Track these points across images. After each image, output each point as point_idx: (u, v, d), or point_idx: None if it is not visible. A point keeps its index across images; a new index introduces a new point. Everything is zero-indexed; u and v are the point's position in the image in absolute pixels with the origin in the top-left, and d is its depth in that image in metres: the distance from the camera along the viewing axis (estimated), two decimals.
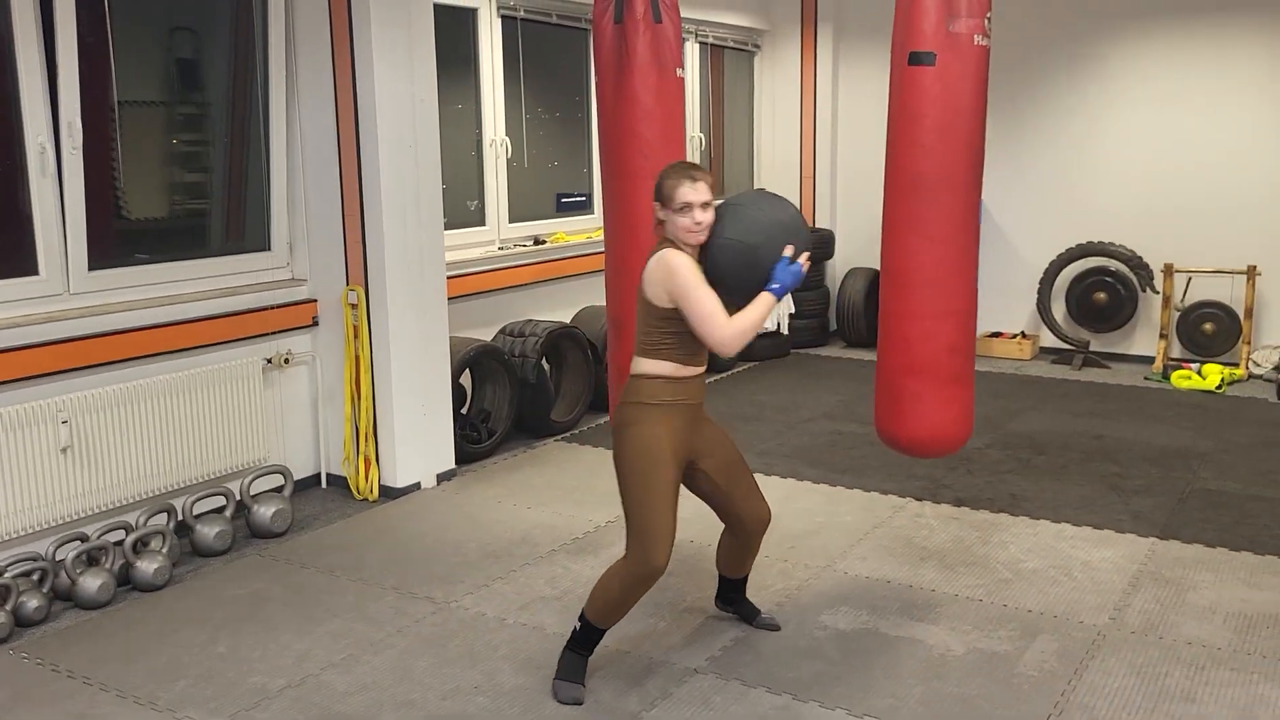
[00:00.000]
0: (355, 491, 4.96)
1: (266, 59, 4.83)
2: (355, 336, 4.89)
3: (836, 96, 8.31)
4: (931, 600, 3.78)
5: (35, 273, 4.10)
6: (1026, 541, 4.30)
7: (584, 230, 6.69)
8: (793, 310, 7.73)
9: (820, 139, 8.32)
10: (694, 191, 2.99)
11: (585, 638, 3.21)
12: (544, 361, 5.75)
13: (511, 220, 6.27)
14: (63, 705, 3.19)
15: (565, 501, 4.83)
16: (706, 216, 3.02)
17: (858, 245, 8.22)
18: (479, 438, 5.49)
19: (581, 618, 3.19)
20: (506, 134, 6.18)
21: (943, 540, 4.32)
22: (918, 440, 3.64)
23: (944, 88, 3.39)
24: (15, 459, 3.89)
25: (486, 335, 5.84)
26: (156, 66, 4.92)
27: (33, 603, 3.72)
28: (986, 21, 3.40)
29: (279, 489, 4.67)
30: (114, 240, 4.46)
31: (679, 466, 3.12)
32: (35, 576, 3.82)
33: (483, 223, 6.14)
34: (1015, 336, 7.78)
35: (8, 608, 3.64)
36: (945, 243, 3.49)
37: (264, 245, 4.96)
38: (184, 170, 5.85)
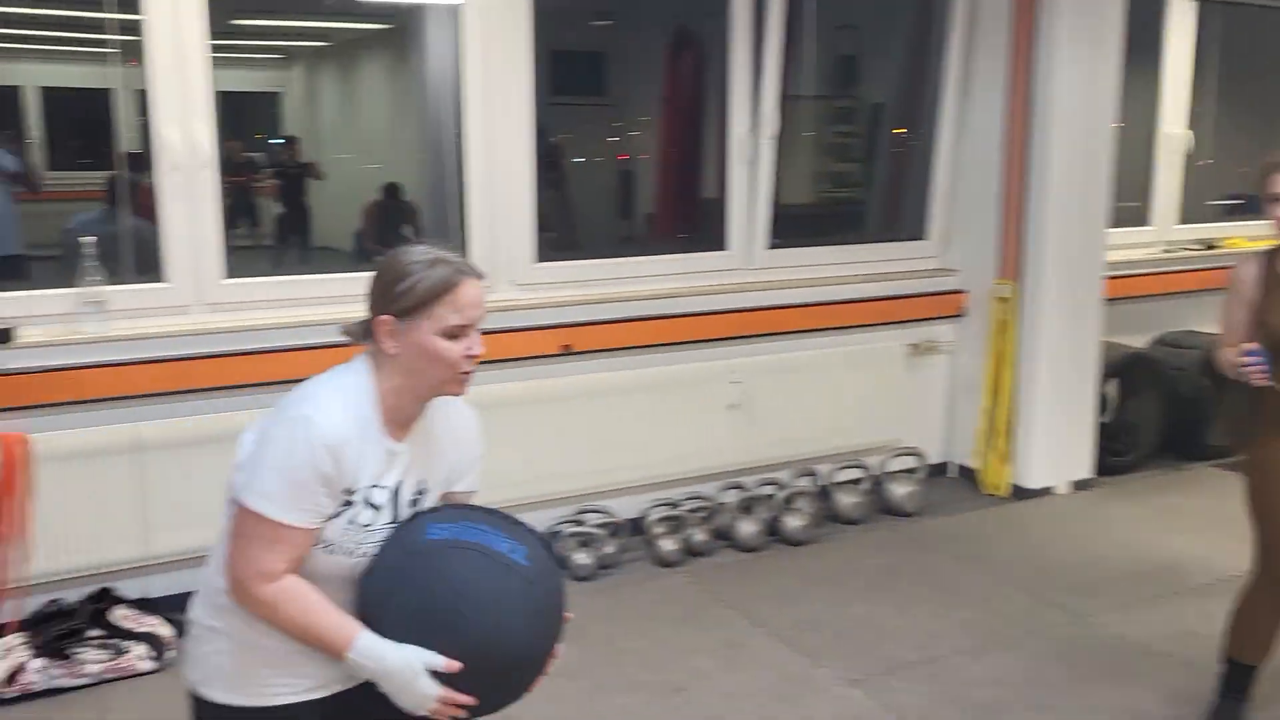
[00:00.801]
0: (984, 485, 4.92)
1: (943, 53, 4.93)
2: (1001, 331, 4.84)
3: None
4: None
5: (725, 248, 4.62)
6: None
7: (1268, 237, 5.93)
8: None
9: None
10: None
11: (1233, 681, 2.89)
12: (1205, 377, 5.21)
13: (1182, 221, 5.76)
14: (721, 632, 3.59)
15: (1222, 534, 4.34)
16: None
17: None
18: (1121, 450, 5.15)
19: (1223, 658, 2.89)
20: (1188, 127, 5.68)
21: None
22: None
23: None
24: (695, 411, 4.44)
25: (1140, 343, 5.44)
26: (820, 62, 5.24)
27: (699, 536, 4.22)
28: None
29: (911, 471, 4.80)
30: (781, 222, 4.86)
31: None
32: (702, 514, 4.34)
33: (1144, 222, 5.72)
34: None
35: (681, 536, 4.18)
36: None
37: (919, 234, 5.08)
38: (836, 160, 6.23)
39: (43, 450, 3.37)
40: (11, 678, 3.12)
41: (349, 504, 1.70)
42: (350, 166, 8.01)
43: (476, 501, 1.91)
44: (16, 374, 3.35)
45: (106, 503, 3.48)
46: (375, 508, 1.73)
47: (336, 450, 1.66)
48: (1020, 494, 4.84)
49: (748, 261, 4.63)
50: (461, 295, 1.69)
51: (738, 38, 4.43)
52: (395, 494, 1.75)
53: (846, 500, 4.55)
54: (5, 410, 3.35)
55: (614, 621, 3.65)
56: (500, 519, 1.79)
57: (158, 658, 3.31)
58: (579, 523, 4.13)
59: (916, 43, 5.11)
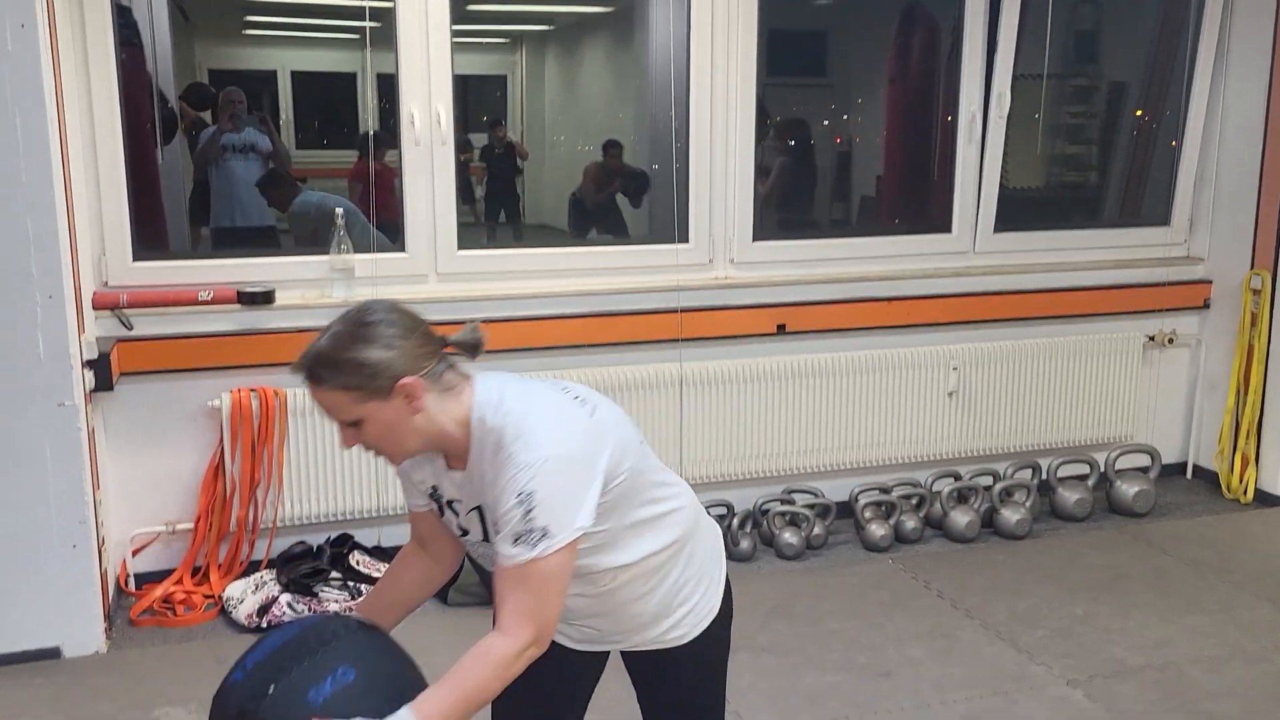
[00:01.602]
0: (1225, 489, 4.60)
1: (1196, 29, 4.60)
2: (1252, 324, 4.50)
3: None
4: None
5: (948, 230, 4.49)
6: None
7: None
8: None
9: None
10: None
11: None
12: None
13: None
14: (930, 620, 3.51)
15: None
16: None
17: None
18: None
19: None
20: None
21: None
22: None
23: None
24: (910, 396, 4.35)
25: None
26: (1055, 40, 4.98)
27: (910, 523, 4.14)
28: None
29: (1144, 469, 4.53)
30: (1006, 206, 4.66)
31: None
32: (914, 501, 4.25)
33: None
34: None
35: (891, 522, 4.11)
36: None
37: (1162, 220, 4.78)
38: (1069, 142, 5.92)
39: (294, 405, 3.66)
40: (264, 609, 3.41)
41: (437, 501, 1.79)
42: (566, 148, 8.24)
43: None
44: (275, 333, 3.64)
45: (347, 456, 3.74)
46: (455, 514, 1.76)
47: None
48: (1265, 500, 4.49)
49: (972, 245, 4.48)
50: None
51: (972, 14, 4.28)
52: (479, 515, 1.72)
53: (1070, 496, 4.35)
54: (264, 366, 3.65)
55: (821, 601, 3.64)
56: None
57: None
58: (788, 502, 4.13)
59: (1165, 18, 4.79)
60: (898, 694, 3.05)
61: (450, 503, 1.75)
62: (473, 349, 1.69)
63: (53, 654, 3.23)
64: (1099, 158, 5.70)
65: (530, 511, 1.54)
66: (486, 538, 1.72)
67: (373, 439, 1.62)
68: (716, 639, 1.88)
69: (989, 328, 4.45)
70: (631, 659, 1.92)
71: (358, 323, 1.60)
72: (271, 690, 1.55)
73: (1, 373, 3.05)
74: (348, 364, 1.56)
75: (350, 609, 3.45)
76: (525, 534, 1.54)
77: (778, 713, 2.95)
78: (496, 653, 1.56)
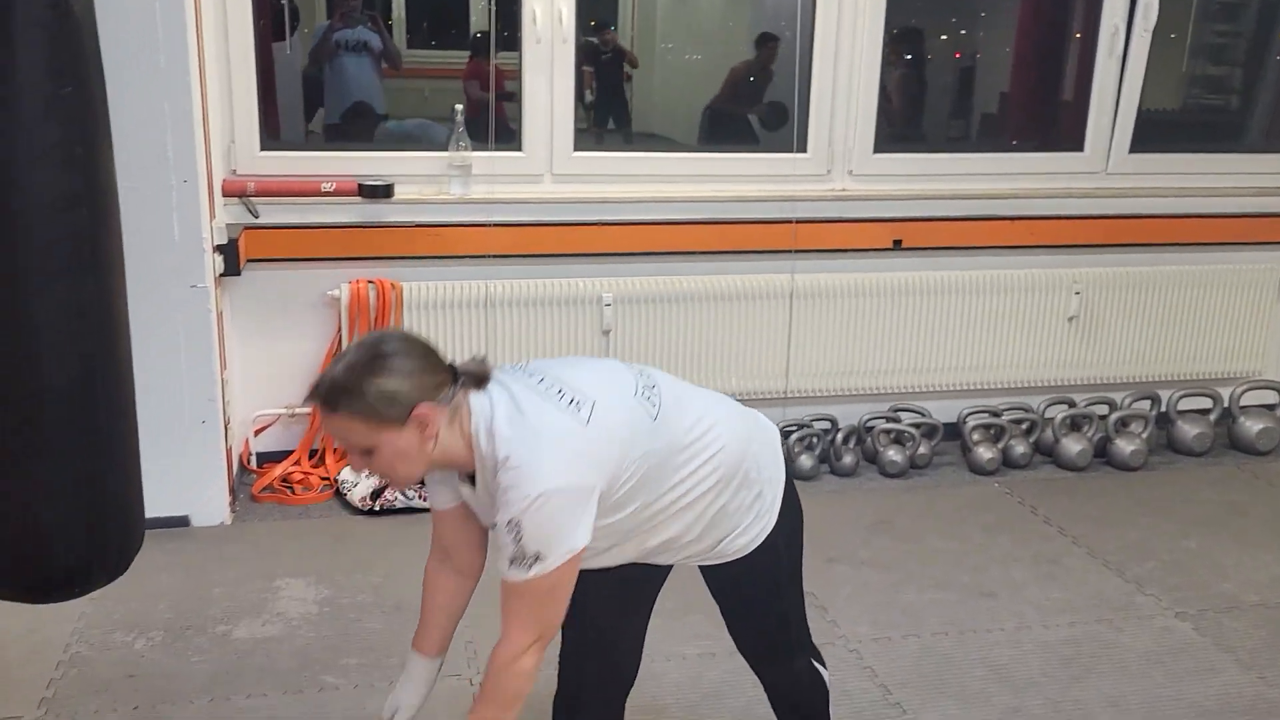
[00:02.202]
0: None
1: None
2: None
3: None
4: None
5: (1080, 149, 4.30)
6: None
7: None
8: None
9: None
10: None
11: None
12: None
13: None
14: (1036, 545, 3.46)
15: None
16: None
17: None
18: None
19: None
20: None
21: None
22: None
23: None
24: (1027, 320, 4.23)
25: None
26: None
27: (1019, 448, 4.07)
28: None
29: (1270, 407, 4.36)
30: (1140, 128, 4.43)
31: None
32: (1024, 426, 4.16)
33: None
34: None
35: (999, 446, 4.04)
36: None
37: None
38: (1212, 63, 5.58)
39: (410, 298, 3.73)
40: (376, 494, 3.54)
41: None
42: (675, 56, 8.06)
43: None
44: (393, 226, 3.71)
45: (459, 350, 3.80)
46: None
47: None
48: None
49: (1105, 165, 4.29)
50: None
51: None
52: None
53: (1190, 430, 4.21)
54: (382, 259, 3.73)
55: (924, 519, 3.62)
56: None
57: None
58: (894, 420, 4.09)
59: None
60: (999, 615, 3.03)
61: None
62: (479, 380, 1.67)
63: (183, 522, 3.41)
64: (1244, 80, 5.38)
65: (520, 539, 1.56)
66: None
67: (385, 466, 1.63)
68: (775, 549, 1.87)
69: (1117, 252, 4.29)
70: (702, 568, 1.94)
71: (374, 353, 1.60)
72: None
73: (138, 253, 3.11)
74: (363, 392, 1.56)
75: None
76: (519, 558, 1.58)
77: (876, 625, 2.96)
78: (501, 660, 1.65)
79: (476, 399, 1.65)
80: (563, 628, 1.94)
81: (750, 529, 1.84)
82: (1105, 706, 2.62)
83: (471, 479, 1.70)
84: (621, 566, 1.85)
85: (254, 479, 3.71)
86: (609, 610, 1.94)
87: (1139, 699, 2.65)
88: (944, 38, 6.01)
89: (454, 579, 1.90)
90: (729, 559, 1.86)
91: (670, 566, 1.93)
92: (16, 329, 1.78)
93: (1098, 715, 2.59)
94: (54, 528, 1.87)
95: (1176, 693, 2.68)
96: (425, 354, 1.63)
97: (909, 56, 5.14)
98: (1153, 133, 4.47)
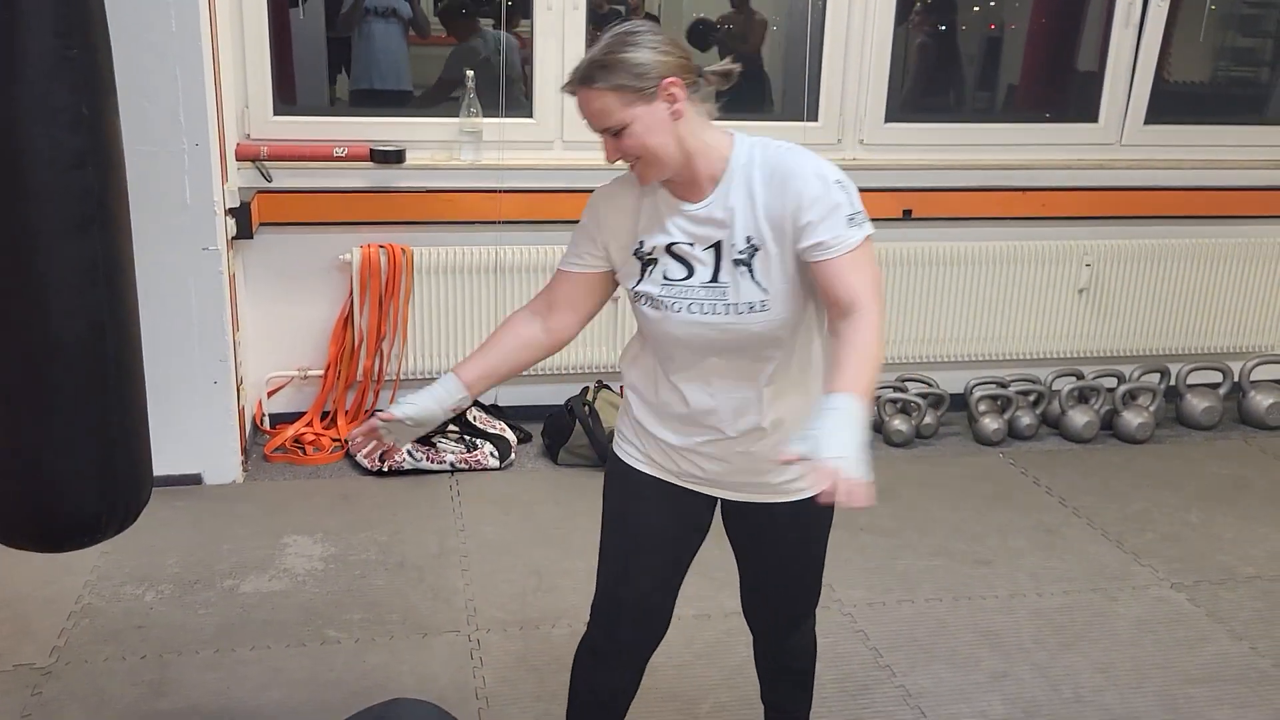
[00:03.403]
0: None
1: None
2: None
3: None
4: None
5: (1094, 120, 4.27)
6: None
7: None
8: None
9: None
10: None
11: None
12: None
13: None
14: (1036, 515, 3.48)
15: None
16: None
17: None
18: None
19: None
20: None
21: None
22: None
23: None
24: (1036, 291, 4.22)
25: None
26: None
27: (1025, 419, 4.07)
28: None
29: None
30: (1163, 99, 4.40)
31: None
32: (1031, 398, 4.17)
33: None
34: None
35: (1005, 417, 4.05)
36: None
37: None
38: (1240, 34, 5.49)
39: (420, 263, 3.78)
40: (385, 455, 3.59)
41: (641, 258, 1.78)
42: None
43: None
44: (404, 192, 3.74)
45: (469, 316, 3.86)
46: (683, 262, 1.75)
47: (599, 203, 1.81)
48: None
49: (1119, 136, 4.26)
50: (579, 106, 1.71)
51: None
52: (715, 250, 1.73)
53: (1198, 404, 4.20)
54: (394, 224, 3.77)
55: (926, 488, 3.64)
56: None
57: (502, 458, 3.69)
58: (900, 390, 4.10)
59: None
60: (994, 582, 3.06)
61: (670, 246, 1.75)
62: (727, 76, 1.75)
63: (195, 480, 3.48)
64: (1274, 52, 5.30)
65: (849, 193, 1.66)
66: (717, 276, 1.72)
67: (634, 146, 1.66)
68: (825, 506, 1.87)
69: (1129, 224, 4.27)
70: (738, 519, 1.93)
71: (627, 32, 1.68)
72: None
73: (151, 216, 3.21)
74: (619, 64, 1.64)
75: (461, 462, 3.61)
76: (856, 214, 1.65)
77: (871, 589, 3.00)
78: (871, 333, 1.59)
79: (741, 134, 1.74)
80: (601, 579, 1.97)
81: None
82: (1094, 673, 2.65)
83: (699, 191, 1.71)
84: (666, 513, 1.86)
85: (266, 439, 3.78)
86: (652, 560, 1.94)
87: (1128, 666, 2.68)
88: (976, 9, 5.95)
89: (542, 334, 1.87)
90: (786, 497, 1.83)
91: (709, 519, 1.92)
92: (25, 286, 1.83)
93: (1085, 681, 2.62)
94: (64, 480, 1.93)
95: (1166, 660, 2.71)
96: (674, 43, 1.70)
97: (943, 27, 5.11)
98: (1178, 105, 4.43)
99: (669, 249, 1.75)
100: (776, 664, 2.14)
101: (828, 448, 1.44)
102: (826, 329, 1.76)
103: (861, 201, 1.68)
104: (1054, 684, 2.60)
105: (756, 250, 1.69)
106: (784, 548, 1.94)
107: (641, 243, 1.77)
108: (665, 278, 1.76)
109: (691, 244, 1.73)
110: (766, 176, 1.68)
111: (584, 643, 2.03)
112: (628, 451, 1.92)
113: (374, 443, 1.89)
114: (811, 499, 1.79)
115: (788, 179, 1.66)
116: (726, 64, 1.75)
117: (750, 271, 1.70)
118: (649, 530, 1.92)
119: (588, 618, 1.99)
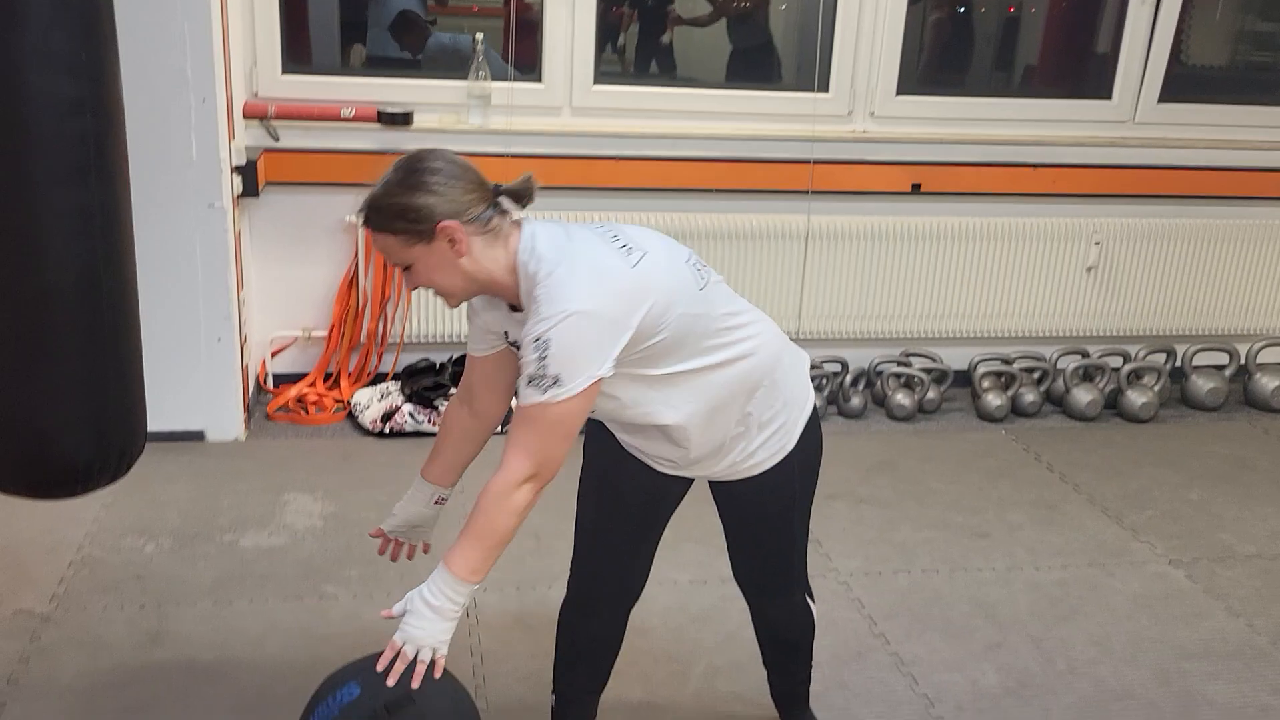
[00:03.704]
0: None
1: None
2: None
3: None
4: None
5: (1108, 97, 4.24)
6: None
7: None
8: None
9: None
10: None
11: None
12: None
13: None
14: (1036, 490, 3.48)
15: None
16: None
17: None
18: None
19: None
20: None
21: None
22: None
23: None
24: (1044, 269, 4.20)
25: None
26: None
27: (1029, 396, 4.06)
28: None
29: None
30: (1179, 81, 4.35)
31: None
32: (1035, 375, 4.15)
33: None
34: None
35: (1009, 394, 4.05)
36: None
37: None
38: (1259, 18, 5.43)
39: None
40: (387, 416, 3.61)
41: (511, 344, 1.82)
42: None
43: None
44: None
45: None
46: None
47: (474, 301, 1.81)
48: None
49: (1132, 114, 4.23)
50: None
51: None
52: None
53: (1204, 385, 4.19)
54: None
55: (926, 462, 3.64)
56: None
57: (501, 423, 3.69)
58: (904, 364, 4.09)
59: None
60: (991, 555, 3.06)
61: (517, 344, 1.79)
62: (522, 197, 1.70)
63: (197, 436, 3.50)
64: None
65: (544, 358, 1.58)
66: None
67: (422, 281, 1.69)
68: (790, 473, 1.89)
69: (1139, 203, 4.24)
70: (716, 491, 1.97)
71: (408, 170, 1.65)
72: None
73: (157, 172, 3.22)
74: (394, 209, 1.62)
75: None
76: (539, 378, 1.59)
77: (868, 559, 3.00)
78: (494, 489, 1.64)
79: (528, 225, 1.69)
80: (578, 537, 2.01)
81: (769, 445, 1.85)
82: (1088, 645, 2.65)
83: (515, 310, 1.71)
84: (643, 481, 1.89)
85: (269, 399, 3.79)
86: (626, 524, 1.98)
87: (1123, 639, 2.68)
88: None
89: (471, 420, 1.94)
90: (744, 475, 1.87)
91: (686, 489, 1.96)
92: (22, 231, 1.83)
93: (1080, 654, 2.62)
94: (58, 427, 1.93)
95: (1162, 635, 2.71)
96: (462, 173, 1.66)
97: (961, 9, 5.06)
98: (1194, 86, 4.39)
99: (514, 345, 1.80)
100: (764, 631, 2.17)
101: (405, 625, 1.66)
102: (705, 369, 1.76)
103: (569, 365, 1.58)
104: (1048, 656, 2.60)
105: None
106: (750, 522, 1.98)
107: (507, 332, 1.81)
108: None
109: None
110: (529, 296, 1.64)
111: (566, 598, 2.07)
112: None
113: (392, 545, 2.03)
114: (768, 473, 1.86)
115: (529, 314, 1.63)
116: (525, 181, 1.70)
117: None
118: (622, 491, 1.95)
119: None
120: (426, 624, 1.64)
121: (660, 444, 1.84)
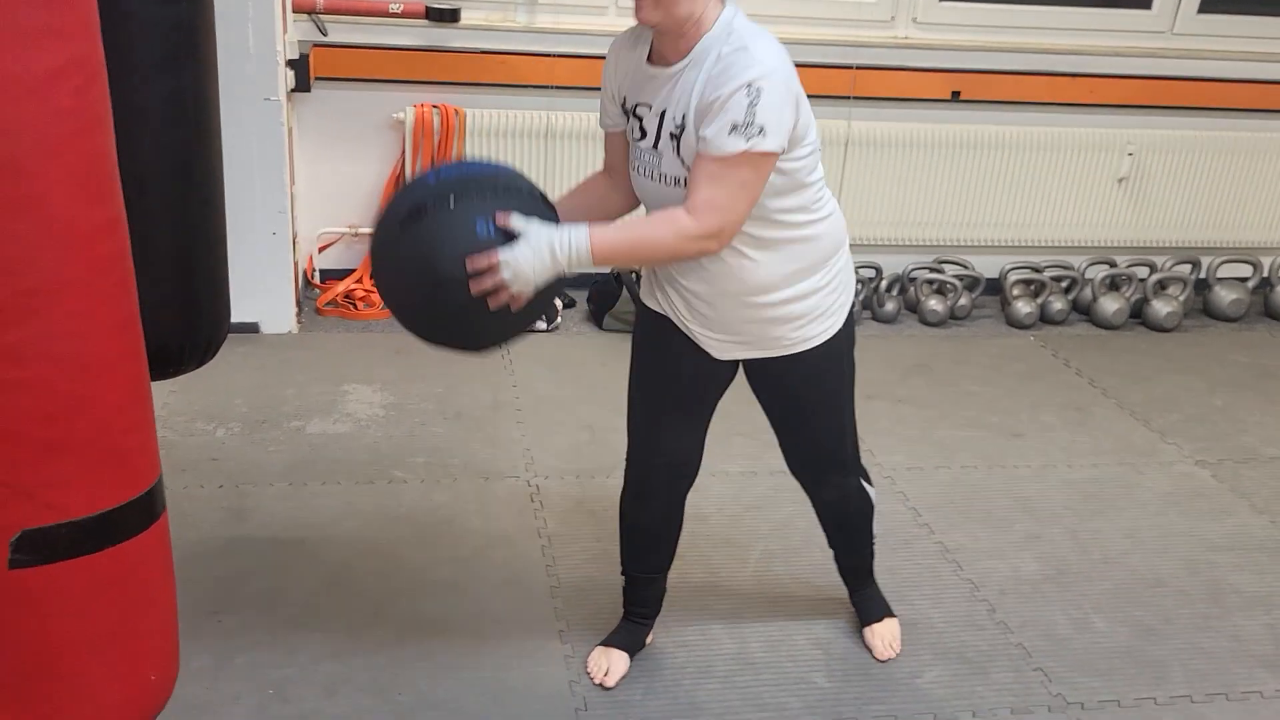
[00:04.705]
0: None
1: None
2: None
3: None
4: None
5: (1148, 7, 4.24)
6: None
7: None
8: None
9: None
10: None
11: None
12: None
13: None
14: (1066, 393, 3.60)
15: None
16: None
17: None
18: None
19: None
20: None
21: None
22: None
23: None
24: (1077, 178, 4.26)
25: None
26: None
27: (1057, 304, 4.16)
28: None
29: None
30: None
31: None
32: (1064, 284, 4.24)
33: None
34: None
35: (1038, 301, 4.14)
36: None
37: None
38: None
39: (473, 125, 3.80)
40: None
41: (625, 114, 1.85)
42: None
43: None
44: (459, 52, 3.75)
45: None
46: (640, 124, 1.80)
47: (610, 55, 1.87)
48: None
49: (1171, 25, 4.24)
50: None
51: None
52: (659, 118, 1.77)
53: (1227, 295, 4.29)
54: (447, 84, 3.78)
55: (960, 365, 3.75)
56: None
57: (549, 321, 3.78)
58: (937, 271, 4.18)
59: None
60: (1026, 453, 3.19)
61: (637, 106, 1.82)
62: None
63: (253, 329, 3.58)
64: None
65: (755, 104, 1.62)
66: (657, 144, 1.78)
67: None
68: (839, 352, 1.97)
69: (1175, 115, 4.28)
70: (753, 376, 2.02)
71: None
72: (451, 203, 1.67)
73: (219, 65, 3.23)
74: None
75: None
76: (745, 125, 1.62)
77: (910, 455, 3.12)
78: (681, 222, 1.68)
79: (730, 6, 1.74)
80: (631, 422, 2.10)
81: (824, 319, 1.93)
82: (1121, 538, 2.79)
83: (668, 57, 1.73)
84: (693, 362, 1.96)
85: (318, 294, 3.86)
86: (678, 406, 2.06)
87: (1154, 533, 2.82)
88: None
89: (607, 187, 1.97)
90: (797, 349, 1.93)
91: (733, 374, 2.04)
92: (120, 118, 1.88)
93: (1114, 545, 2.76)
94: (150, 309, 2.01)
95: (1190, 529, 2.85)
96: None
97: None
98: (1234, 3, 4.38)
99: (635, 109, 1.82)
100: (820, 514, 2.27)
101: (512, 247, 1.63)
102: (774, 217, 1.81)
103: (774, 117, 1.62)
104: (1083, 546, 2.74)
105: (684, 130, 1.72)
106: (803, 403, 2.04)
107: (625, 97, 1.84)
108: (634, 135, 1.84)
109: (649, 106, 1.79)
110: (716, 66, 1.68)
111: (625, 485, 2.17)
112: (647, 291, 2.01)
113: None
114: (819, 348, 1.93)
115: (726, 77, 1.65)
116: None
117: (677, 148, 1.74)
118: (673, 374, 2.02)
119: None
120: (536, 262, 1.64)
121: (727, 303, 1.87)
